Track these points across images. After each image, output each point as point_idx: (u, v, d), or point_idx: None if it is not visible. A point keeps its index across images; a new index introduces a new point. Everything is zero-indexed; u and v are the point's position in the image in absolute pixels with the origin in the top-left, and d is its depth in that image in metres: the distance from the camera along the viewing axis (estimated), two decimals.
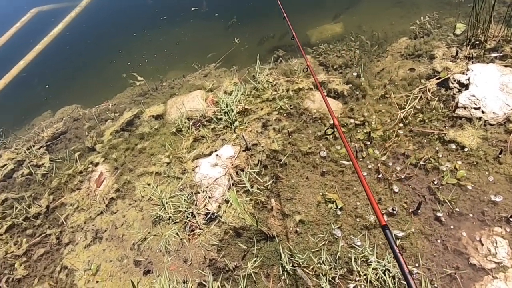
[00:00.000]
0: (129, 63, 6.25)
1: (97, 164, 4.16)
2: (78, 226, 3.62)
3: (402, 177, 2.98)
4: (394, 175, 3.02)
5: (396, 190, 2.92)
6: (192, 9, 7.09)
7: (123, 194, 3.76)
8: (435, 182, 2.86)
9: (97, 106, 5.21)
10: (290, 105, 3.89)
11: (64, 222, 3.71)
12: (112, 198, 3.74)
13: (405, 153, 3.14)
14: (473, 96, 3.17)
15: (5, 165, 4.59)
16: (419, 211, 2.74)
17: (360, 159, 3.23)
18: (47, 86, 6.54)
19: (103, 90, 5.77)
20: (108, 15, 8.32)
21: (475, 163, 2.87)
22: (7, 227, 3.81)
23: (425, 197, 2.82)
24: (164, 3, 7.75)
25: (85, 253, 3.38)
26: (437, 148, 3.05)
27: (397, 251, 1.42)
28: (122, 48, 6.77)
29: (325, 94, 3.94)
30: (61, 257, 3.43)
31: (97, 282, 3.11)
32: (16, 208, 3.93)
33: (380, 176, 3.06)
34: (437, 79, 3.53)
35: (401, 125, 3.34)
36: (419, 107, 3.40)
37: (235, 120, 3.92)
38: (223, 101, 4.08)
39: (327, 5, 6.04)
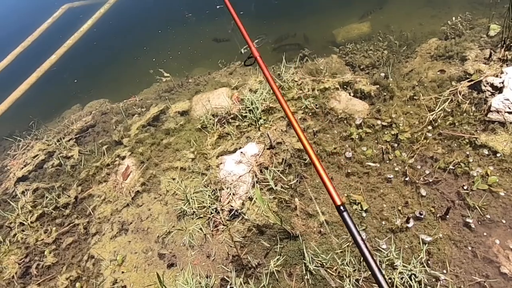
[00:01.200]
0: (154, 59, 6.35)
1: (124, 158, 4.27)
2: (105, 218, 3.72)
3: (430, 181, 2.93)
4: (421, 179, 2.97)
5: (424, 194, 2.87)
6: (218, 7, 7.13)
7: (149, 187, 3.84)
8: (465, 188, 2.79)
9: (125, 101, 5.34)
10: (316, 105, 3.87)
11: (92, 213, 3.82)
12: (138, 191, 3.82)
13: (434, 156, 3.08)
14: (507, 100, 3.07)
15: (36, 155, 4.77)
16: (448, 216, 2.68)
17: (387, 161, 3.18)
18: (75, 81, 6.73)
19: (130, 86, 5.89)
20: (134, 12, 8.48)
21: (508, 169, 2.78)
22: (37, 216, 3.96)
23: (454, 202, 2.76)
24: (190, 1, 7.82)
25: (111, 244, 3.47)
26: (467, 153, 2.97)
27: (355, 231, 1.43)
28: (147, 45, 6.89)
29: (352, 94, 3.90)
30: (88, 247, 3.54)
31: (122, 272, 3.20)
32: (47, 197, 4.08)
33: (407, 179, 3.01)
34: (468, 81, 3.44)
35: (430, 127, 3.27)
36: (449, 110, 3.32)
37: (260, 118, 3.93)
38: (248, 99, 4.10)
39: (354, 4, 5.95)
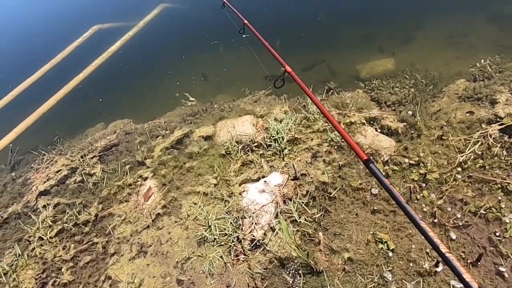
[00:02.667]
0: (178, 83, 6.50)
1: (146, 179, 4.30)
2: (124, 238, 3.71)
3: (460, 224, 2.86)
4: (451, 221, 2.90)
5: (453, 238, 2.80)
6: (244, 36, 7.32)
7: (170, 211, 3.83)
8: (497, 234, 2.72)
9: (149, 122, 5.43)
10: (341, 138, 3.87)
11: (111, 232, 3.82)
12: (158, 213, 3.82)
13: (464, 199, 3.02)
14: None
15: (59, 170, 4.83)
16: (479, 263, 2.60)
17: (415, 201, 3.13)
18: (100, 100, 6.90)
19: (154, 107, 6.02)
20: (161, 36, 8.75)
21: None
22: (57, 231, 3.97)
23: (486, 248, 2.68)
24: (215, 29, 8.04)
25: (129, 265, 3.44)
26: (499, 198, 2.91)
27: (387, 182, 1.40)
28: (171, 69, 7.07)
29: (378, 130, 3.91)
30: (106, 267, 3.51)
31: None
32: (67, 213, 4.10)
33: (435, 220, 2.95)
34: (499, 124, 3.42)
35: (459, 169, 3.23)
36: (479, 153, 3.28)
37: (285, 148, 3.95)
38: (273, 128, 4.14)
39: (378, 41, 6.06)
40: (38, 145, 5.80)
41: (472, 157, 3.26)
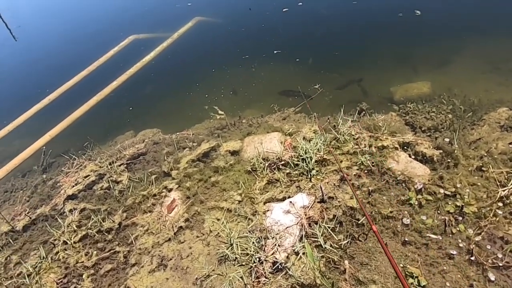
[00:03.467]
0: (206, 95, 6.54)
1: (170, 190, 4.29)
2: (146, 249, 3.69)
3: (500, 265, 2.65)
4: (490, 261, 2.70)
5: (492, 279, 2.60)
6: (275, 52, 7.34)
7: (192, 225, 3.80)
8: None
9: (177, 133, 5.47)
10: (372, 162, 3.74)
11: (133, 242, 3.81)
12: (181, 227, 3.79)
13: (504, 237, 2.81)
14: None
15: (88, 175, 4.93)
16: None
17: (449, 235, 2.95)
18: (130, 108, 7.04)
19: (183, 119, 6.08)
20: (193, 49, 8.87)
21: None
22: (81, 236, 4.01)
23: None
24: (248, 44, 8.11)
25: (149, 278, 3.41)
26: None
27: None
28: (201, 81, 7.11)
29: (412, 156, 3.75)
30: (126, 277, 3.50)
31: None
32: (92, 219, 4.14)
33: (472, 258, 2.75)
34: None
35: (500, 204, 3.03)
36: None
37: (313, 169, 3.85)
38: (302, 147, 4.06)
39: (414, 63, 5.90)
40: (70, 149, 5.96)
41: None
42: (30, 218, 4.52)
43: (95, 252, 3.82)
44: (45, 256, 3.88)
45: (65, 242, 3.99)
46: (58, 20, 12.90)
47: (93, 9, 12.99)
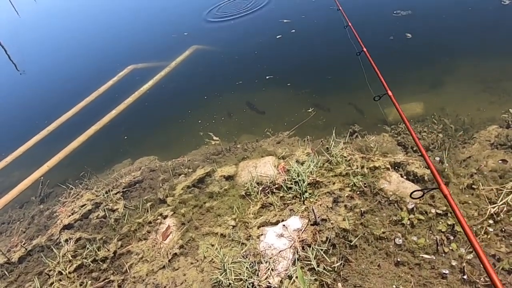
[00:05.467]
0: (200, 121, 6.61)
1: (166, 217, 4.30)
2: (140, 277, 3.67)
3: None
4: (482, 279, 2.68)
5: None
6: (267, 77, 7.49)
7: (186, 251, 3.79)
8: None
9: (173, 160, 5.53)
10: (364, 183, 3.77)
11: (128, 271, 3.79)
12: (175, 253, 3.78)
13: (496, 255, 2.80)
14: None
15: (84, 205, 4.95)
16: None
17: (442, 254, 2.94)
18: (125, 137, 7.11)
19: (179, 145, 6.14)
20: (188, 77, 9.01)
21: None
22: (76, 266, 3.99)
23: None
24: (241, 70, 8.26)
25: None
26: None
27: None
28: (194, 108, 7.18)
29: (404, 176, 3.78)
30: None
31: None
32: (87, 248, 4.13)
33: (465, 277, 2.73)
34: None
35: (491, 221, 3.03)
36: None
37: (305, 192, 3.87)
38: (294, 170, 4.10)
39: (407, 84, 6.01)
40: (68, 179, 6.00)
41: (505, 209, 3.06)
42: (26, 249, 4.51)
43: (89, 282, 3.79)
44: None
45: (60, 273, 3.97)
46: (58, 52, 13.24)
47: (92, 41, 13.34)
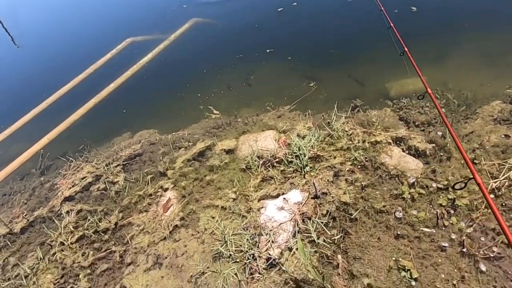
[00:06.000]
0: (199, 94, 6.53)
1: (166, 190, 4.31)
2: (141, 248, 3.71)
3: (492, 256, 2.66)
4: (481, 252, 2.70)
5: (484, 270, 2.60)
6: (268, 51, 7.34)
7: (187, 223, 3.81)
8: None
9: (173, 133, 5.49)
10: (365, 158, 3.75)
11: (129, 242, 3.83)
12: (176, 225, 3.81)
13: (496, 229, 2.82)
14: None
15: (84, 177, 4.95)
16: None
17: (442, 228, 2.95)
18: (124, 111, 7.04)
19: (179, 119, 6.08)
20: (187, 50, 8.84)
21: None
22: (78, 237, 4.03)
23: None
24: (241, 44, 8.09)
25: (144, 276, 3.42)
26: None
27: None
28: (191, 82, 7.09)
29: (405, 150, 3.76)
30: (122, 276, 3.52)
31: None
32: (89, 220, 4.16)
33: (464, 250, 2.76)
34: None
35: (492, 196, 3.03)
36: None
37: (306, 165, 3.86)
38: (295, 144, 4.07)
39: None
40: (67, 152, 5.99)
41: (506, 183, 3.05)
42: (28, 220, 4.54)
43: (91, 252, 3.84)
44: (42, 257, 3.91)
45: (62, 243, 4.01)
46: (56, 25, 12.95)
47: (91, 13, 13.03)
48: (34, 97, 8.19)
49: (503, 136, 3.55)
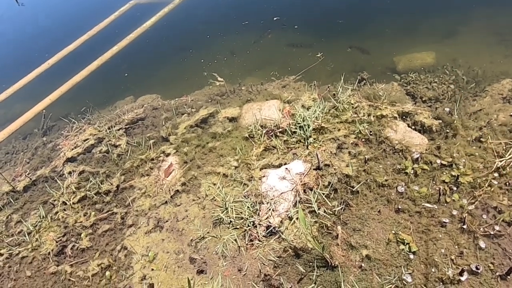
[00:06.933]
0: (202, 60, 6.40)
1: (168, 155, 4.31)
2: (143, 211, 3.75)
3: (492, 233, 2.67)
4: (481, 229, 2.72)
5: (483, 247, 2.62)
6: (275, 18, 7.12)
7: (188, 188, 3.83)
8: None
9: (176, 99, 5.42)
10: (370, 131, 3.71)
11: (131, 204, 3.87)
12: (177, 190, 3.83)
13: (498, 207, 2.82)
14: None
15: (87, 139, 4.94)
16: (509, 277, 2.42)
17: (443, 204, 2.96)
18: (126, 75, 6.93)
19: (182, 85, 5.98)
20: (191, 16, 8.56)
21: None
22: (80, 198, 4.07)
23: None
24: (247, 11, 7.83)
25: (145, 238, 3.48)
26: None
27: None
28: (195, 48, 6.93)
29: (411, 126, 3.71)
30: (123, 237, 3.58)
31: (152, 269, 3.18)
32: (91, 181, 4.19)
33: (464, 226, 2.77)
34: None
35: (496, 175, 3.01)
36: None
37: (310, 137, 3.83)
38: (300, 114, 4.02)
39: (419, 33, 5.71)
40: (70, 113, 5.94)
41: None
42: (31, 179, 4.58)
43: (93, 213, 3.89)
44: (45, 216, 3.96)
45: (64, 203, 4.06)
46: None
47: None
48: (36, 57, 8.06)
49: (511, 115, 3.49)
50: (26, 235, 3.80)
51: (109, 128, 4.98)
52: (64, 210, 3.99)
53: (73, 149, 4.85)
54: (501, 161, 3.03)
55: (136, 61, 7.33)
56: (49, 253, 3.58)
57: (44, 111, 6.19)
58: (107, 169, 4.40)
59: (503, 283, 2.41)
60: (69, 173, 4.45)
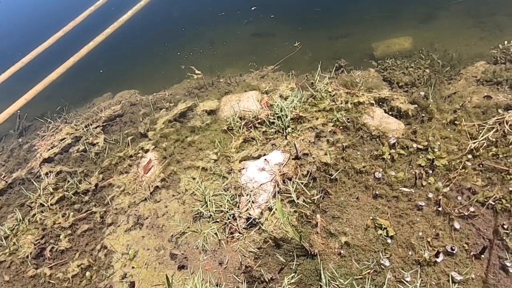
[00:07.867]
0: (179, 53, 6.30)
1: (147, 151, 4.25)
2: (122, 209, 3.70)
3: (466, 214, 2.71)
4: (456, 211, 2.76)
5: (457, 228, 2.67)
6: (252, 8, 7.03)
7: (168, 184, 3.79)
8: (505, 227, 2.57)
9: (154, 94, 5.33)
10: (347, 119, 3.71)
11: (110, 203, 3.81)
12: (157, 186, 3.78)
13: (472, 188, 2.86)
14: None
15: (64, 138, 4.84)
16: (483, 255, 2.47)
17: (419, 187, 2.99)
18: (101, 71, 6.78)
19: (159, 79, 5.89)
20: (167, 8, 8.38)
21: None
22: (57, 199, 3.99)
23: (491, 241, 2.54)
24: (222, 2, 7.70)
25: (125, 236, 3.44)
26: (510, 189, 2.74)
27: None
28: (171, 41, 6.82)
29: (387, 111, 3.72)
30: (103, 237, 3.53)
31: (132, 267, 3.15)
32: (68, 181, 4.11)
33: (440, 209, 2.80)
34: None
35: (469, 156, 3.05)
36: (493, 140, 3.08)
37: (288, 126, 3.81)
38: (278, 105, 3.99)
39: (398, 18, 5.71)
40: (46, 112, 5.80)
41: (485, 144, 3.07)
42: (6, 182, 4.47)
43: (72, 213, 3.82)
44: (22, 219, 3.88)
45: (41, 205, 3.98)
46: None
47: None
48: (8, 56, 7.82)
49: (484, 97, 3.53)
50: (3, 239, 3.72)
51: (86, 127, 4.88)
52: (42, 212, 3.91)
53: (49, 149, 4.75)
54: (474, 143, 3.07)
55: (113, 57, 7.18)
56: (27, 256, 3.51)
57: (19, 111, 6.02)
58: (85, 168, 4.32)
59: (478, 262, 2.46)
60: (46, 174, 4.35)
